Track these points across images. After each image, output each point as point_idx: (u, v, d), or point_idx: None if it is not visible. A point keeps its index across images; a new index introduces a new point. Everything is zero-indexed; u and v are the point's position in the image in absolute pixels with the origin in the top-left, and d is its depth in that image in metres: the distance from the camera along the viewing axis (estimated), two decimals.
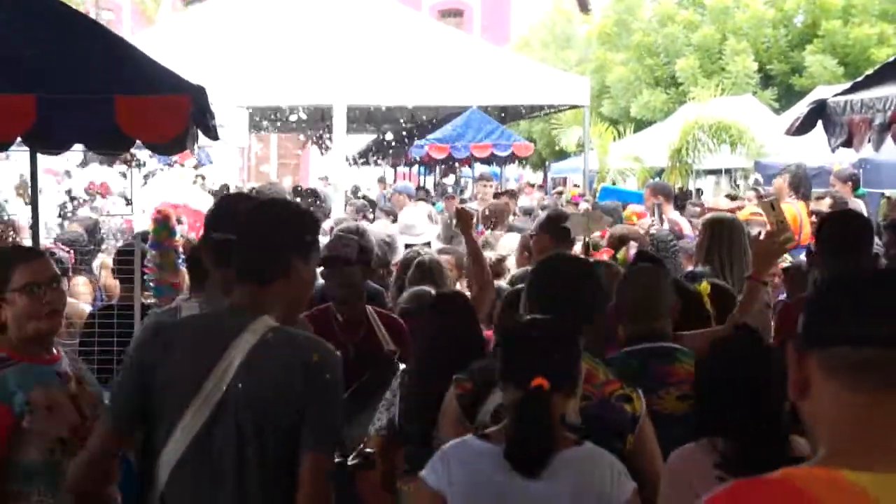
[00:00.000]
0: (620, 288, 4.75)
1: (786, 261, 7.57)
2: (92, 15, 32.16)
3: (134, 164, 16.89)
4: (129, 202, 15.11)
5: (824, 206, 9.35)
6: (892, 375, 1.80)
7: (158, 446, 3.29)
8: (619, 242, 8.10)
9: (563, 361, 3.44)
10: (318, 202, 16.31)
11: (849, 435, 1.83)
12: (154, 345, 3.39)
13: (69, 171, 14.03)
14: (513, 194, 19.70)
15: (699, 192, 21.41)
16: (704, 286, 5.59)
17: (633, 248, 7.28)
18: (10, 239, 9.62)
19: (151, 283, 6.63)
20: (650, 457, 3.85)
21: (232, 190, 15.88)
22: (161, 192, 14.81)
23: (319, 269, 5.38)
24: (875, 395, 1.81)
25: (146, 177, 16.01)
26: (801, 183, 11.51)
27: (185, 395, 3.25)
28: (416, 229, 11.12)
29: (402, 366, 5.08)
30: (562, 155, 29.55)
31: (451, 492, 3.37)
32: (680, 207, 18.29)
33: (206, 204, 13.28)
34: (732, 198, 16.46)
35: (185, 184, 14.59)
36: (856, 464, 1.78)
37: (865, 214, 11.04)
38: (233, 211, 4.07)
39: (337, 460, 3.75)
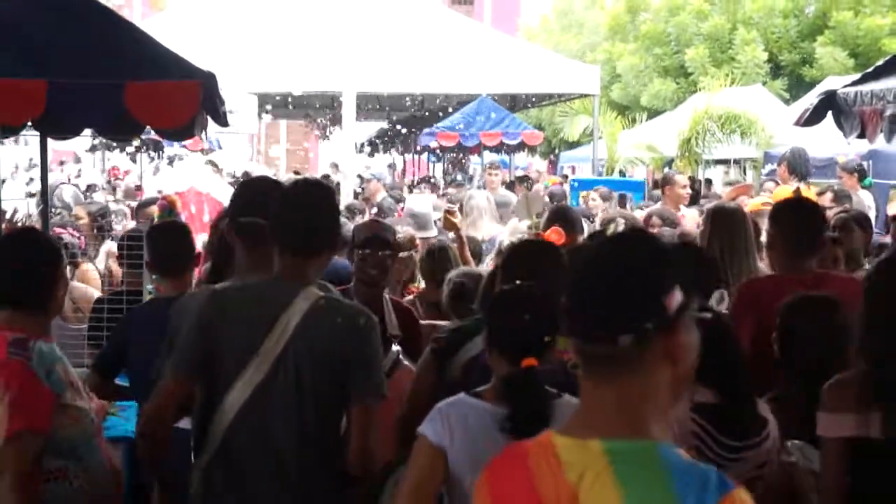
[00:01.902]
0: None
1: None
2: (102, 0, 32.18)
3: (150, 150, 16.92)
4: (139, 188, 15.14)
5: (826, 200, 9.34)
6: (589, 366, 2.20)
7: (219, 398, 3.74)
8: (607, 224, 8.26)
9: (550, 335, 3.55)
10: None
11: (578, 410, 2.27)
12: (213, 309, 3.83)
13: (80, 156, 14.08)
14: (526, 179, 19.74)
15: (709, 182, 21.37)
16: None
17: (620, 225, 7.52)
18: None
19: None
20: None
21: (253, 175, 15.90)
22: (173, 177, 14.84)
23: (356, 250, 5.65)
24: (586, 381, 2.23)
25: (171, 160, 16.05)
26: (798, 165, 11.54)
27: (245, 353, 3.72)
28: (425, 221, 10.83)
29: (397, 348, 5.26)
30: (572, 144, 29.52)
31: (451, 448, 3.42)
32: (693, 198, 18.36)
33: (217, 189, 13.26)
34: (729, 183, 16.46)
35: (204, 169, 14.59)
36: (565, 430, 2.22)
37: (872, 205, 11.06)
38: (261, 195, 4.34)
39: None
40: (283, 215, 3.92)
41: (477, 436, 3.40)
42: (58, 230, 8.60)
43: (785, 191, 10.85)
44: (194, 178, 13.38)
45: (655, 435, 2.15)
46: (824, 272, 5.64)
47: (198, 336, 3.81)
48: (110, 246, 9.45)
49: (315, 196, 4.00)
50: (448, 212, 7.42)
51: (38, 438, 3.83)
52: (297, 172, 22.33)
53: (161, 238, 5.71)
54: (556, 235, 7.62)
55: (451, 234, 8.22)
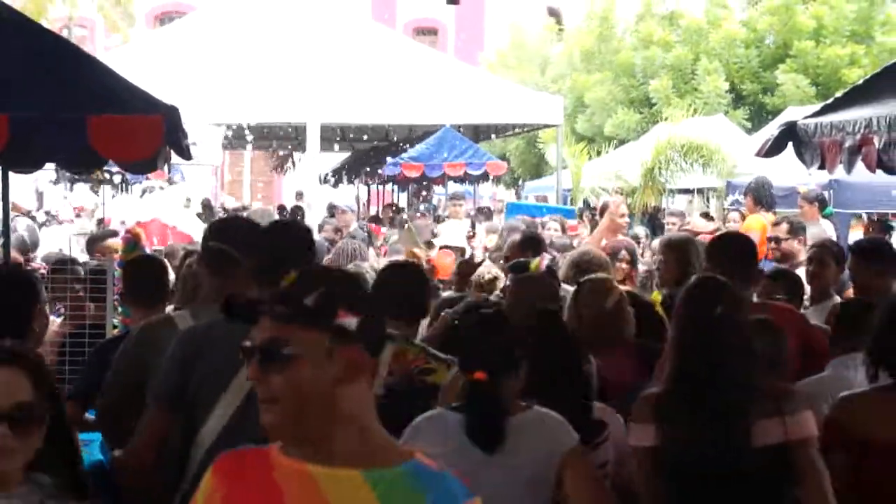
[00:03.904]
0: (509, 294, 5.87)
1: None
2: (64, 32, 32.06)
3: (118, 181, 16.80)
4: (100, 222, 15.05)
5: (781, 231, 9.45)
6: None
7: (198, 425, 3.92)
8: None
9: (502, 349, 3.92)
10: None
11: None
12: (191, 344, 4.00)
13: (42, 191, 14.00)
14: (486, 212, 19.81)
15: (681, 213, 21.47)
16: (656, 295, 6.22)
17: (545, 259, 7.75)
18: None
19: (117, 304, 6.62)
20: None
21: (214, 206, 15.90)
22: (134, 207, 14.77)
23: None
24: None
25: (143, 193, 16.00)
26: (762, 196, 11.64)
27: (220, 386, 3.90)
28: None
29: None
30: (536, 174, 29.57)
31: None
32: (654, 225, 18.46)
33: (185, 222, 13.22)
34: (707, 216, 16.57)
35: (172, 202, 14.56)
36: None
37: (833, 235, 11.16)
38: (232, 226, 4.59)
39: None
40: (257, 248, 4.12)
41: (446, 449, 3.54)
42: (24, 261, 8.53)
43: (756, 221, 10.94)
44: (158, 210, 13.33)
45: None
46: (762, 302, 5.96)
47: (178, 368, 3.98)
48: None
49: (291, 234, 4.22)
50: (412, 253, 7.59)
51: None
52: (281, 206, 22.32)
53: (139, 272, 5.77)
54: (448, 259, 8.15)
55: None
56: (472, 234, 13.48)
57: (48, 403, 2.88)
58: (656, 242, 10.97)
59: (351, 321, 2.34)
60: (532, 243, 7.50)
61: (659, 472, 3.98)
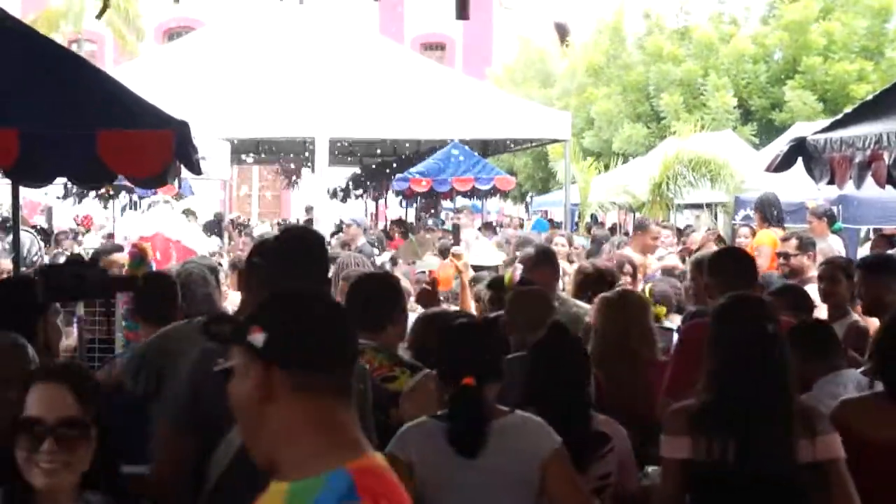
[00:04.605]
0: (509, 306, 6.02)
1: None
2: (74, 47, 32.17)
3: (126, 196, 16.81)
4: (110, 236, 15.04)
5: (791, 247, 9.43)
6: None
7: (213, 446, 3.77)
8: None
9: (490, 356, 4.08)
10: None
11: None
12: (202, 364, 3.81)
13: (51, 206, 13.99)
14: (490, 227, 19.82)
15: (688, 227, 21.45)
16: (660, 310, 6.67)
17: (517, 270, 7.92)
18: None
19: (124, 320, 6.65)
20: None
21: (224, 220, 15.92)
22: (138, 222, 14.72)
23: None
24: None
25: (149, 206, 15.98)
26: (769, 213, 11.62)
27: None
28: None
29: None
30: (544, 188, 29.53)
31: (416, 462, 3.89)
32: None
33: (189, 236, 13.20)
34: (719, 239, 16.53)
35: (175, 216, 14.52)
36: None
37: (842, 251, 11.13)
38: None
39: None
40: (271, 266, 4.10)
41: (431, 456, 3.89)
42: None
43: (766, 236, 10.92)
44: (161, 224, 13.30)
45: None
46: None
47: (190, 390, 3.93)
48: None
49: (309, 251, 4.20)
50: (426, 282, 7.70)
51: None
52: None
53: (149, 287, 5.82)
54: (444, 272, 8.30)
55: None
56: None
57: (94, 419, 2.89)
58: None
59: (258, 337, 2.35)
60: (545, 256, 7.52)
61: (692, 485, 4.01)
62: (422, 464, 3.89)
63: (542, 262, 7.34)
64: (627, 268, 9.19)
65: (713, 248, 11.51)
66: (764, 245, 10.52)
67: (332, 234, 18.27)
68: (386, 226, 26.69)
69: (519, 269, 7.89)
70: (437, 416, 4.01)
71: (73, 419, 2.85)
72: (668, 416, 4.19)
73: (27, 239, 14.73)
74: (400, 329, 5.28)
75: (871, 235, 15.85)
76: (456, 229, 14.46)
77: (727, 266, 5.78)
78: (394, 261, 13.71)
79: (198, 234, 14.07)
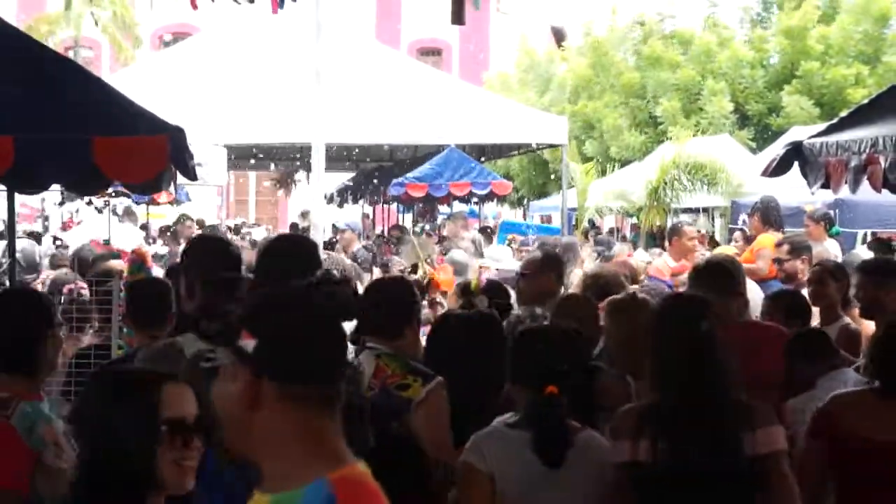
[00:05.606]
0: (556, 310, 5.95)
1: None
2: (70, 54, 32.18)
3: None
4: (107, 241, 15.04)
5: (782, 252, 9.41)
6: None
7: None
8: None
9: (572, 366, 4.07)
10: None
11: None
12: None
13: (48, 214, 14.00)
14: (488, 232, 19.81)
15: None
16: None
17: (483, 275, 7.97)
18: None
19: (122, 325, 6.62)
20: (430, 430, 4.44)
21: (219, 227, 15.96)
22: (130, 230, 14.74)
23: None
24: None
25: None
26: (771, 216, 11.60)
27: None
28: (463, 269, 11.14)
29: None
30: (541, 193, 29.50)
31: (496, 473, 3.86)
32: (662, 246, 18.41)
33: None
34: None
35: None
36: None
37: (839, 254, 11.12)
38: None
39: None
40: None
41: (514, 463, 3.87)
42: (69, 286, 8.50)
43: (767, 239, 10.91)
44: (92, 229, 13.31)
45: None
46: (749, 321, 6.27)
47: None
48: None
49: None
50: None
51: (9, 497, 3.77)
52: (293, 224, 22.35)
53: (141, 293, 5.79)
54: (443, 275, 8.26)
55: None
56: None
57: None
58: None
59: (248, 344, 2.33)
60: (552, 261, 7.48)
61: (638, 487, 4.00)
62: (503, 475, 3.90)
63: (547, 267, 7.31)
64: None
65: (704, 252, 11.54)
66: (765, 248, 10.49)
67: (327, 241, 18.23)
68: (383, 231, 26.70)
69: (486, 274, 7.93)
70: (509, 425, 4.01)
71: (200, 417, 2.86)
72: (614, 420, 4.21)
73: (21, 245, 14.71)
74: (416, 336, 5.22)
75: (869, 239, 15.86)
76: (441, 238, 14.47)
77: (704, 281, 5.98)
78: (385, 266, 13.65)
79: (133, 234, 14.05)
